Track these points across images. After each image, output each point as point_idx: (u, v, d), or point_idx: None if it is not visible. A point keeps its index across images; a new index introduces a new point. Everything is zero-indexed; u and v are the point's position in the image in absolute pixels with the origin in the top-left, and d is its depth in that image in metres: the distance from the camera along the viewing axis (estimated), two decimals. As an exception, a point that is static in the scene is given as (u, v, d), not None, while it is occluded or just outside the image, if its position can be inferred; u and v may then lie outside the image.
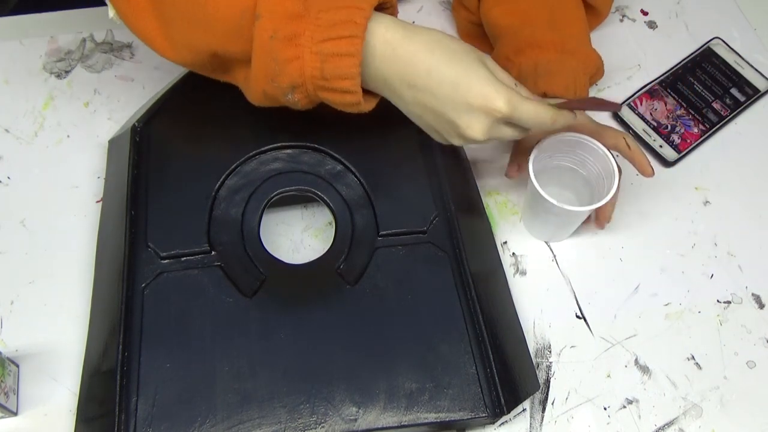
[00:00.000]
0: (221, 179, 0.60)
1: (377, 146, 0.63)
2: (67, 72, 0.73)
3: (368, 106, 0.51)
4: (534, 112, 0.49)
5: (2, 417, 0.54)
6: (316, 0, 0.48)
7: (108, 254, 0.59)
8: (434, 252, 0.58)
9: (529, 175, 0.58)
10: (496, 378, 0.53)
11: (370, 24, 0.48)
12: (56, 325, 0.59)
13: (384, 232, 0.59)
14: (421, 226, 0.59)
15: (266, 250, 0.58)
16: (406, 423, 0.52)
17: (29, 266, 0.61)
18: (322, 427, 0.51)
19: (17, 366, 0.57)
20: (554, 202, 0.56)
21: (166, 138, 0.62)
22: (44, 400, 0.56)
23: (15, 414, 0.55)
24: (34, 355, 0.57)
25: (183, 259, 0.57)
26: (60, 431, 0.54)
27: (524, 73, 0.64)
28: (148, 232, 0.57)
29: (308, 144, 0.62)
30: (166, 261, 0.57)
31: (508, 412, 0.53)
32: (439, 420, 0.52)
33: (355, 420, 0.52)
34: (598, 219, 0.64)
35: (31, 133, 0.69)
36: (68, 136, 0.68)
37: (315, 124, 0.61)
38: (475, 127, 0.49)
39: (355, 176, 0.61)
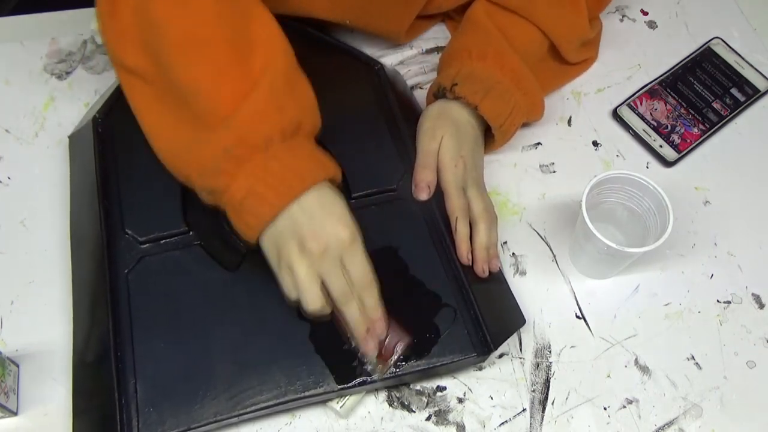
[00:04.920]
0: None
1: (342, 116, 0.64)
2: (68, 73, 0.73)
3: (253, 244, 0.54)
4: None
5: (2, 417, 0.54)
6: (281, 145, 0.51)
7: (86, 247, 0.59)
8: (406, 207, 0.61)
9: (581, 213, 0.57)
10: (480, 317, 0.55)
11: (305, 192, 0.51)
12: (56, 325, 0.59)
13: (356, 194, 0.61)
14: (391, 184, 0.61)
15: None
16: (399, 373, 0.54)
17: (29, 266, 0.61)
18: (321, 386, 0.53)
19: (17, 366, 0.57)
20: (612, 244, 0.55)
21: (130, 125, 0.62)
22: (44, 400, 0.56)
23: (15, 414, 0.55)
24: (34, 355, 0.57)
25: (162, 241, 0.58)
26: (60, 431, 0.54)
27: (473, 77, 0.64)
28: (124, 220, 0.58)
29: None
30: (145, 245, 0.57)
31: (496, 349, 0.55)
32: (431, 366, 0.54)
33: (351, 375, 0.54)
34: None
35: (31, 133, 0.69)
36: (68, 136, 0.68)
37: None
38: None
39: (321, 144, 0.62)
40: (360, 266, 0.52)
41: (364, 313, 0.52)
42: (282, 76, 0.52)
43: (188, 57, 0.51)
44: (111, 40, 0.54)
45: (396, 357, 0.54)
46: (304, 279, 0.50)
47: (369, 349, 0.53)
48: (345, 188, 0.60)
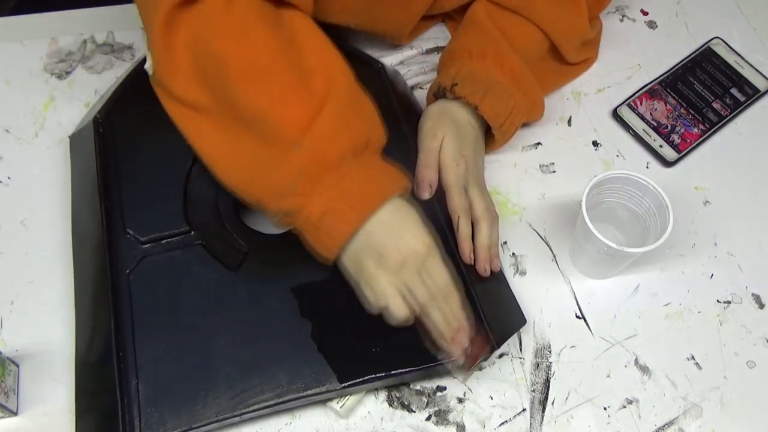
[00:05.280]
0: (192, 160, 0.60)
1: None
2: (67, 73, 0.73)
3: (331, 261, 0.54)
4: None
5: (2, 417, 0.54)
6: (353, 162, 0.51)
7: (87, 247, 0.59)
8: None
9: (581, 213, 0.57)
10: (483, 316, 0.56)
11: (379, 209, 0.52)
12: (56, 325, 0.59)
13: None
14: None
15: (244, 224, 0.60)
16: (403, 371, 0.54)
17: (29, 266, 0.61)
18: (323, 384, 0.53)
19: (17, 366, 0.57)
20: (612, 244, 0.55)
21: (130, 125, 0.63)
22: (44, 400, 0.56)
23: (15, 414, 0.55)
24: (34, 355, 0.57)
25: (164, 241, 0.58)
26: (60, 431, 0.54)
27: (473, 77, 0.65)
28: (125, 220, 0.58)
29: None
30: (147, 245, 0.58)
31: (499, 348, 0.56)
32: (434, 364, 0.54)
33: (352, 374, 0.54)
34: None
35: (31, 133, 0.69)
36: (69, 136, 0.68)
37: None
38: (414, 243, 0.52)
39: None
40: (439, 276, 0.52)
41: (448, 321, 0.53)
42: (345, 95, 0.53)
43: (254, 85, 0.51)
44: (165, 76, 0.54)
45: (478, 364, 0.54)
46: (386, 291, 0.51)
47: (456, 355, 0.53)
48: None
